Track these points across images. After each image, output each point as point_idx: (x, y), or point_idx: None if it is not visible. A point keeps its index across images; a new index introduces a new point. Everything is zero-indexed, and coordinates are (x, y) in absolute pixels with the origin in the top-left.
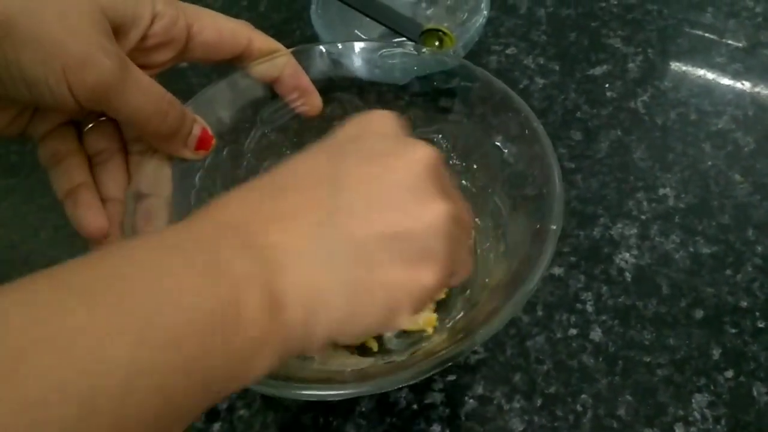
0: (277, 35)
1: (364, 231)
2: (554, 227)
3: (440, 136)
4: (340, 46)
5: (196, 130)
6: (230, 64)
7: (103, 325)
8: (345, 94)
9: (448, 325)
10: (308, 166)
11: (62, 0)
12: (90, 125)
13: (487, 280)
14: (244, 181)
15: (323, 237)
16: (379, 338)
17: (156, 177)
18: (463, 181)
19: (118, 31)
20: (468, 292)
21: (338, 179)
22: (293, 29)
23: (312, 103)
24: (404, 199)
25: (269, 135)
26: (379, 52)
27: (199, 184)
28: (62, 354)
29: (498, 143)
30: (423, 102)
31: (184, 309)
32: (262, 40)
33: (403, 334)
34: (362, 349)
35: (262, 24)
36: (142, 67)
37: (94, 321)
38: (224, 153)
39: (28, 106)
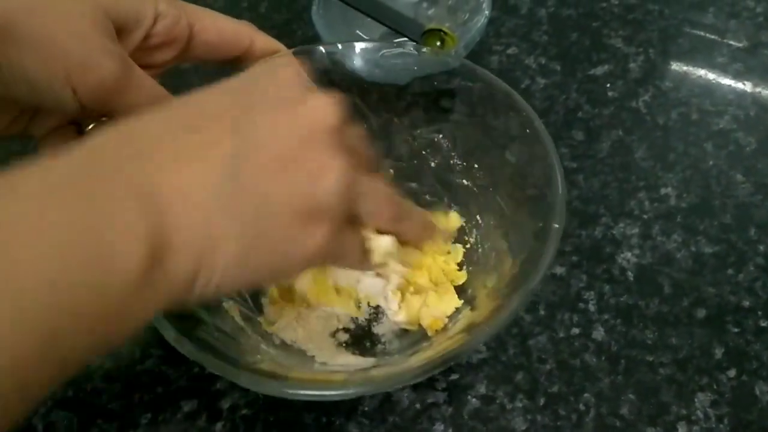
0: (278, 36)
1: (264, 186)
2: (557, 226)
3: (441, 135)
4: (340, 47)
5: None
6: (232, 64)
7: None
8: (345, 94)
9: (450, 325)
10: (212, 104)
11: (65, 2)
12: (91, 125)
13: (488, 279)
14: None
15: (222, 186)
16: (380, 338)
17: None
18: (465, 181)
19: (120, 31)
20: (470, 291)
21: (242, 124)
22: (294, 30)
23: None
24: (306, 154)
25: None
26: (380, 53)
27: None
28: None
29: (500, 144)
30: (424, 102)
31: (57, 252)
32: (264, 41)
33: (405, 333)
34: (363, 349)
35: (262, 24)
36: (144, 66)
37: None
38: None
39: (29, 107)
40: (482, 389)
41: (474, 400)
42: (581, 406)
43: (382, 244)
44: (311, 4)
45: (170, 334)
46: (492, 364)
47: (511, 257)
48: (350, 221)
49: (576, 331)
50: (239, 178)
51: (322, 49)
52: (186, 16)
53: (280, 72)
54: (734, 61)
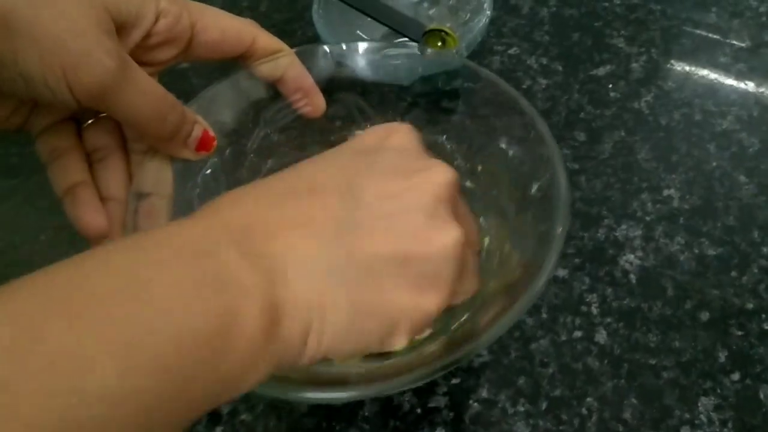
0: (279, 35)
1: (374, 250)
2: (560, 229)
3: (445, 137)
4: (344, 47)
5: (197, 132)
6: (234, 62)
7: (86, 348)
8: (348, 94)
9: (452, 328)
10: (321, 172)
11: None
12: (89, 121)
13: (491, 283)
14: (246, 181)
15: (332, 250)
16: None
17: (157, 176)
18: (468, 183)
19: (121, 28)
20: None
21: (352, 191)
22: (295, 29)
23: (315, 103)
24: (418, 222)
25: (272, 135)
26: (382, 52)
27: (202, 184)
28: (41, 383)
29: (503, 145)
30: (426, 103)
31: (174, 329)
32: (266, 39)
33: None
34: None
35: (263, 24)
36: (145, 64)
37: (75, 342)
38: (227, 153)
39: (27, 100)
40: (484, 393)
41: (475, 404)
42: (584, 411)
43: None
44: (312, 3)
45: None
46: (494, 368)
47: (514, 261)
48: None
49: (578, 334)
50: (348, 242)
51: (324, 49)
52: (188, 15)
53: (394, 139)
54: (737, 61)
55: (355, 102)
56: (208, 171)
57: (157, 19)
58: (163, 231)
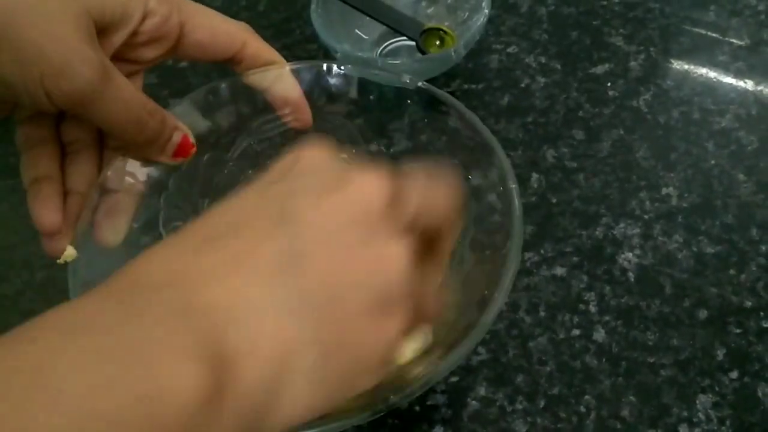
0: (277, 34)
1: (326, 280)
2: (496, 296)
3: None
4: (335, 69)
5: (176, 138)
6: (224, 64)
7: None
8: (337, 116)
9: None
10: (244, 208)
11: (45, 3)
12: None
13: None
14: (224, 189)
15: (281, 289)
16: None
17: (126, 174)
18: None
19: (106, 30)
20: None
21: (285, 217)
22: (293, 28)
23: (301, 119)
24: (361, 238)
25: (255, 146)
26: (374, 71)
27: (173, 188)
28: None
29: (476, 194)
30: (409, 131)
31: (106, 386)
32: (258, 46)
33: None
34: None
35: (261, 23)
36: (131, 62)
37: None
38: (204, 159)
39: (8, 100)
40: (482, 391)
41: (474, 402)
42: (582, 408)
43: (413, 346)
44: (310, 2)
45: None
46: (492, 366)
47: (458, 313)
48: None
49: (576, 332)
50: (296, 275)
51: (318, 67)
52: (178, 14)
53: (307, 155)
54: (736, 59)
55: (342, 122)
56: (182, 175)
57: (144, 19)
58: (76, 304)
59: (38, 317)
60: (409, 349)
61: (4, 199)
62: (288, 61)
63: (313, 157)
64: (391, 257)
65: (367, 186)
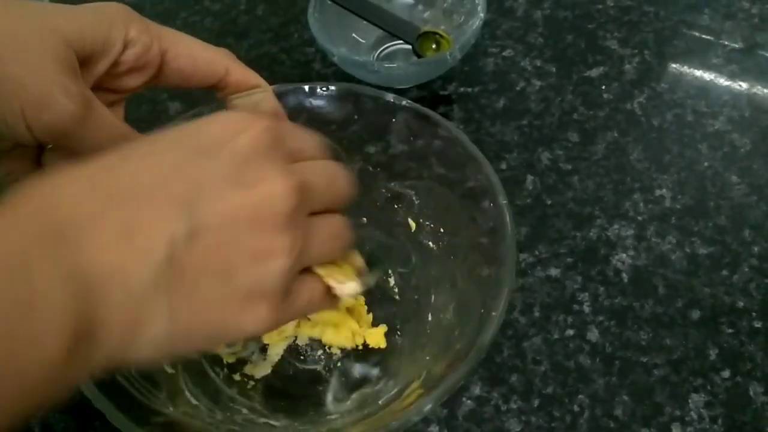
0: (275, 38)
1: (203, 268)
2: (494, 314)
3: (414, 193)
4: (319, 90)
5: None
6: (207, 90)
7: None
8: (324, 137)
9: (380, 403)
10: (156, 170)
11: (25, 36)
12: (50, 146)
13: (432, 351)
14: None
15: (162, 263)
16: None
17: None
18: (430, 243)
19: (87, 60)
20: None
21: (191, 206)
22: (291, 32)
23: None
24: (250, 238)
25: None
26: (363, 94)
27: None
28: None
29: (467, 212)
30: (402, 158)
31: None
32: (241, 72)
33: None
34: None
35: (259, 27)
36: (113, 91)
37: None
38: None
39: None
40: (477, 391)
41: (468, 401)
42: (575, 408)
43: (346, 291)
44: (307, 6)
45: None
46: (486, 366)
47: (455, 336)
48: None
49: (570, 332)
50: (180, 259)
51: (303, 87)
52: (159, 42)
53: (243, 138)
54: (729, 62)
55: (328, 144)
56: None
57: (124, 49)
58: None
59: None
60: (346, 294)
61: None
62: (285, 64)
63: (251, 139)
64: (271, 253)
65: (276, 191)
